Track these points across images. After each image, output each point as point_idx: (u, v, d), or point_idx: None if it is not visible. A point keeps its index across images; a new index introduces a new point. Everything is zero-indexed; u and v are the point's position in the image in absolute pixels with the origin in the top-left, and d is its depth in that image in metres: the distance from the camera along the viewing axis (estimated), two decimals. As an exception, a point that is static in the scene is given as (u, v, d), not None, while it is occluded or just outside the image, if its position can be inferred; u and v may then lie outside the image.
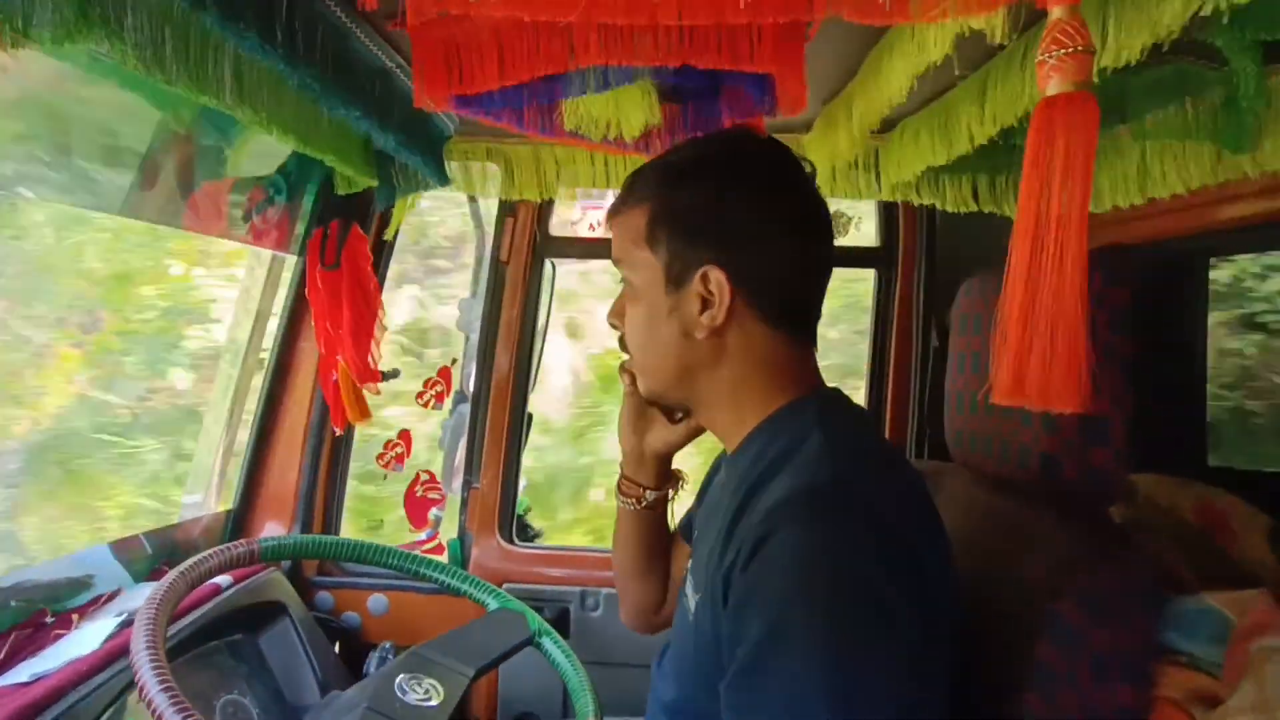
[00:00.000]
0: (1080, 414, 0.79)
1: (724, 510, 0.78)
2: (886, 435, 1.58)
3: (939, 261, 1.60)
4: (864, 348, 1.69)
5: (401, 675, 0.96)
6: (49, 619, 1.10)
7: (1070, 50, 0.56)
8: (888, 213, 1.62)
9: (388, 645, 1.42)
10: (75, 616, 1.12)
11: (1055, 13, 0.58)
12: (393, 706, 0.91)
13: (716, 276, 0.77)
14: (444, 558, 1.60)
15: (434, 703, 0.94)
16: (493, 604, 1.18)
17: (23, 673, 0.94)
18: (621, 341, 0.89)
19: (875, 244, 1.65)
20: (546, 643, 1.13)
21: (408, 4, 0.68)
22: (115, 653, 0.98)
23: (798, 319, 0.82)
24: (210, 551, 0.93)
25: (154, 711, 0.72)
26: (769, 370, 0.81)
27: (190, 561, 0.92)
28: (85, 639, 1.02)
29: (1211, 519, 0.99)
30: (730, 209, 0.78)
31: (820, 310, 0.85)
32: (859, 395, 1.68)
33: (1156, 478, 1.11)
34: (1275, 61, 0.82)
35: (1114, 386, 0.81)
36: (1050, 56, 0.57)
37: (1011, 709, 0.75)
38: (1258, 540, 0.91)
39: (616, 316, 0.88)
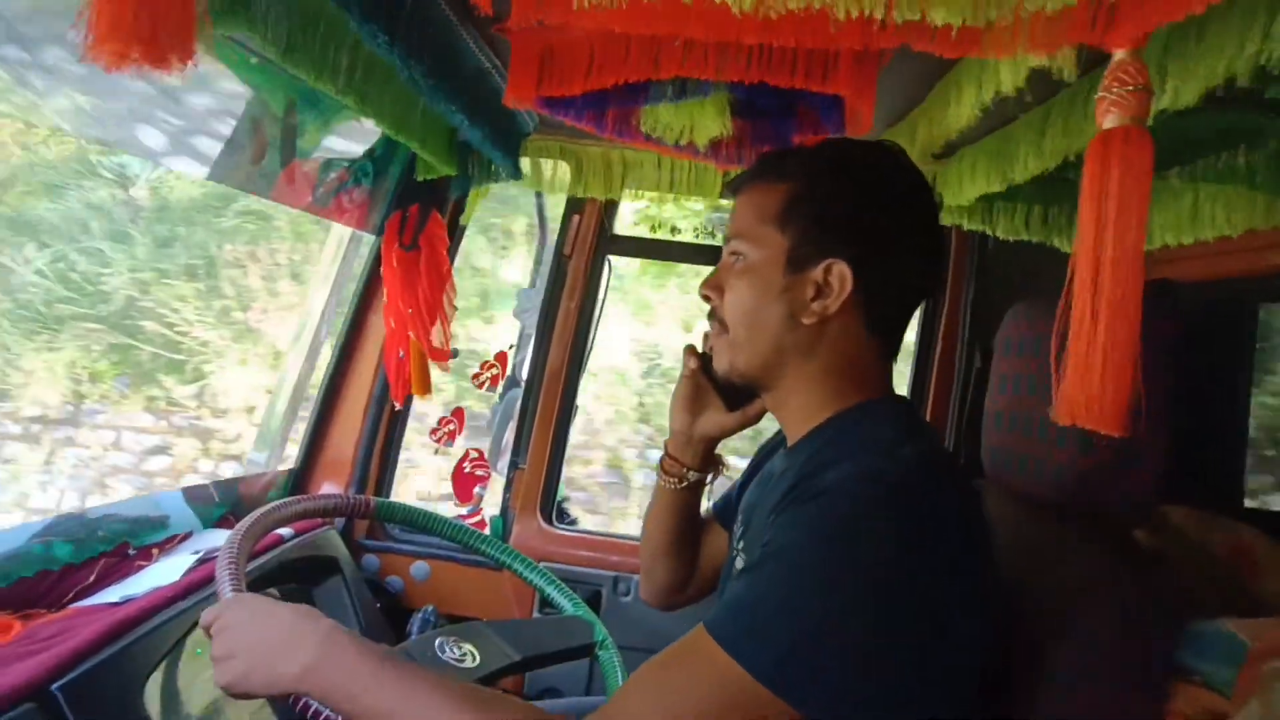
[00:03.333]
0: (1116, 438, 0.84)
1: (779, 492, 0.80)
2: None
3: (990, 286, 1.63)
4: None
5: (450, 636, 1.01)
6: (131, 551, 1.20)
7: (1131, 89, 0.61)
8: (940, 236, 1.66)
9: (430, 609, 1.50)
10: (155, 551, 1.22)
11: (1118, 55, 0.62)
12: (424, 654, 0.95)
13: (841, 270, 0.80)
14: (486, 531, 1.68)
15: (463, 665, 0.98)
16: (569, 608, 1.20)
17: (113, 594, 1.03)
18: (711, 314, 0.90)
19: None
20: (605, 656, 1.15)
21: (514, 6, 0.75)
22: (195, 584, 1.07)
23: (893, 331, 0.86)
24: (327, 494, 0.99)
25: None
26: (854, 371, 0.84)
27: (303, 497, 0.98)
28: (167, 571, 1.11)
29: (1238, 553, 1.02)
30: (871, 213, 0.81)
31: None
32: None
33: (1188, 510, 1.14)
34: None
35: (1153, 415, 0.83)
36: (1110, 93, 0.61)
37: (1023, 712, 0.79)
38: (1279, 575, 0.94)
39: (712, 289, 0.88)
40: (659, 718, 0.67)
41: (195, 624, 1.02)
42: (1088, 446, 0.86)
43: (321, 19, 0.83)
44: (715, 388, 1.02)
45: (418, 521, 1.14)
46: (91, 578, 1.09)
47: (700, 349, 1.02)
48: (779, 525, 0.72)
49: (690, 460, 1.08)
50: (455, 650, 0.99)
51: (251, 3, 0.75)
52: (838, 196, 0.81)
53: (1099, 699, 0.76)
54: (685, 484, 1.09)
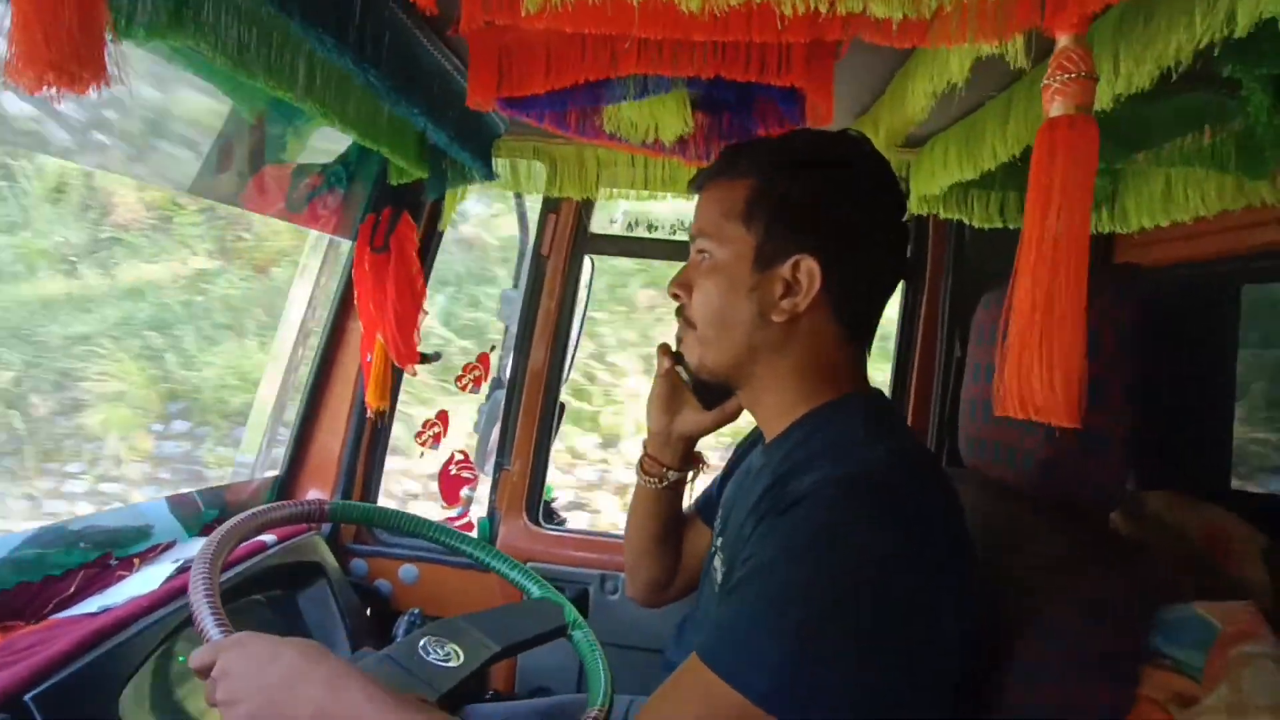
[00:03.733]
0: (1083, 425, 0.84)
1: (756, 492, 0.80)
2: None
3: (968, 274, 1.63)
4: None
5: (430, 636, 1.02)
6: (113, 561, 1.20)
7: (1074, 76, 0.60)
8: (917, 226, 1.66)
9: (415, 611, 1.50)
10: (136, 560, 1.22)
11: (1062, 41, 0.62)
12: (410, 659, 0.96)
13: (809, 266, 0.79)
14: (474, 534, 1.68)
15: (449, 665, 0.99)
16: (535, 591, 1.20)
17: (92, 604, 1.04)
18: (679, 313, 0.89)
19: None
20: (578, 635, 1.17)
21: (462, 11, 0.75)
22: (174, 592, 1.07)
23: (865, 324, 0.86)
24: (279, 504, 0.98)
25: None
26: (827, 366, 0.83)
27: (257, 509, 0.97)
28: (146, 580, 1.11)
29: (1213, 537, 1.02)
30: (838, 207, 0.80)
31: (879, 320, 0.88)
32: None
33: (1167, 495, 1.14)
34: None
35: (1115, 400, 0.83)
36: (1055, 81, 0.61)
37: (993, 701, 0.78)
38: (1253, 558, 0.94)
39: (681, 288, 0.88)
40: None
41: (174, 630, 1.03)
42: (1051, 434, 0.86)
43: (274, 25, 0.83)
44: (689, 385, 1.02)
45: (373, 519, 1.14)
46: (72, 589, 1.09)
47: (674, 348, 1.00)
48: (758, 539, 0.72)
49: (670, 459, 1.08)
50: (439, 651, 0.99)
51: (198, 12, 0.75)
52: (802, 191, 0.80)
53: (1066, 688, 0.76)
54: (666, 483, 1.09)
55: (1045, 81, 0.61)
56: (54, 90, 0.43)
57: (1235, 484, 1.51)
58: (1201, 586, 0.96)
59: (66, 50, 0.43)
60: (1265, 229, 1.11)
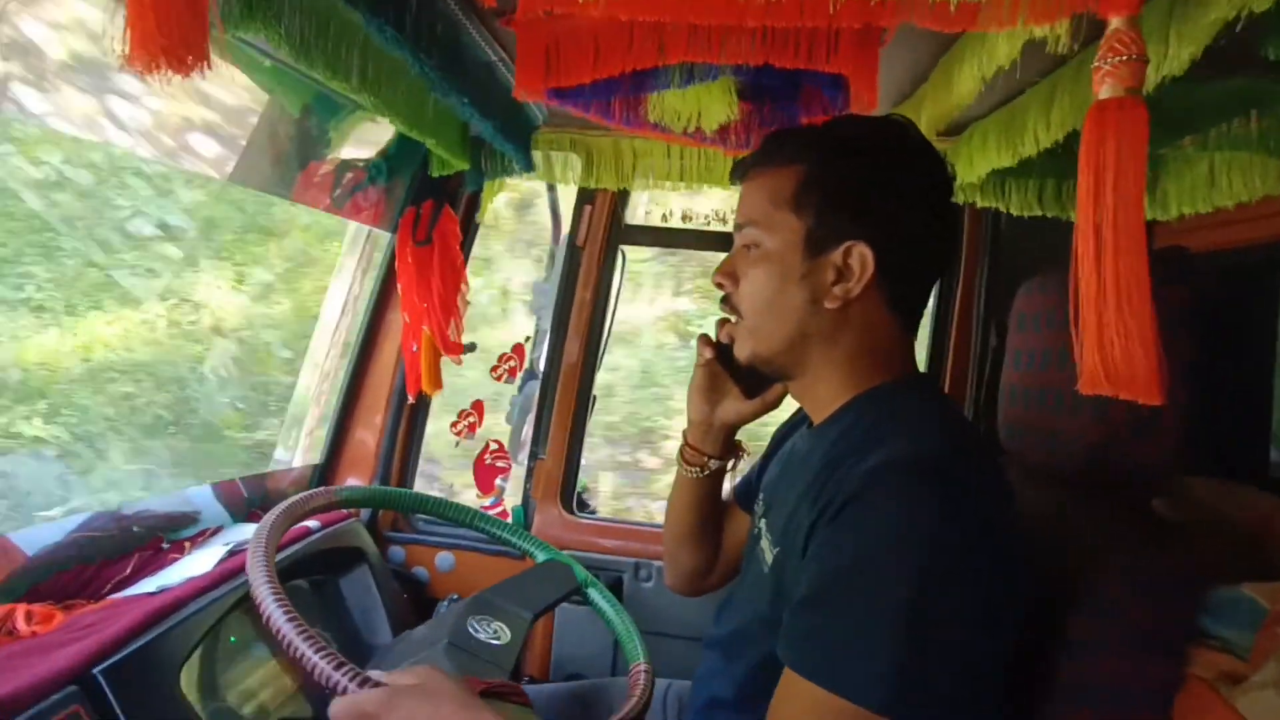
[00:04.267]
0: (1129, 408, 0.84)
1: (808, 473, 0.81)
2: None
3: (1005, 263, 1.62)
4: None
5: (472, 616, 1.05)
6: (165, 545, 1.24)
7: (1125, 58, 0.61)
8: (953, 213, 1.66)
9: (455, 597, 1.53)
10: (187, 544, 1.25)
11: (1114, 23, 0.63)
12: (469, 642, 1.01)
13: (861, 252, 0.79)
14: (509, 520, 1.71)
15: (501, 642, 1.04)
16: (540, 556, 1.26)
17: (149, 585, 1.07)
18: (724, 302, 0.89)
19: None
20: (593, 593, 1.21)
21: (519, 2, 0.77)
22: (227, 573, 1.10)
23: (913, 308, 0.86)
24: (296, 498, 1.02)
25: (267, 618, 0.82)
26: (878, 352, 0.83)
27: (286, 503, 1.02)
28: (199, 562, 1.14)
29: (1259, 523, 1.01)
30: (889, 192, 0.80)
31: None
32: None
33: (1208, 480, 1.13)
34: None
35: (1166, 383, 0.83)
36: (1105, 63, 0.62)
37: (1045, 677, 0.79)
38: (1301, 541, 0.93)
39: (726, 277, 0.87)
40: None
41: (228, 611, 1.06)
42: (1102, 416, 0.87)
43: (333, 19, 0.85)
44: (732, 375, 1.02)
45: (378, 500, 1.20)
46: (128, 570, 1.13)
47: (714, 337, 1.01)
48: (830, 536, 0.71)
49: (711, 448, 1.08)
50: (488, 629, 1.05)
51: (266, 5, 0.77)
52: (852, 176, 0.80)
53: (1118, 666, 0.77)
54: (707, 472, 1.09)
55: (1096, 64, 0.61)
56: (165, 73, 0.46)
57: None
58: (1247, 569, 0.97)
59: (176, 36, 0.46)
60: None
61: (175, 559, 1.20)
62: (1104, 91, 0.62)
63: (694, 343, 1.04)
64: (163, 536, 1.25)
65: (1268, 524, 1.01)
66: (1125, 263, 0.60)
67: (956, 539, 0.67)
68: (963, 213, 1.62)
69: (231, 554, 1.17)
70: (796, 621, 0.71)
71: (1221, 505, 1.08)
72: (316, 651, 0.74)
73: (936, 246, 0.85)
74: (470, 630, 1.03)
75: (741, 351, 0.88)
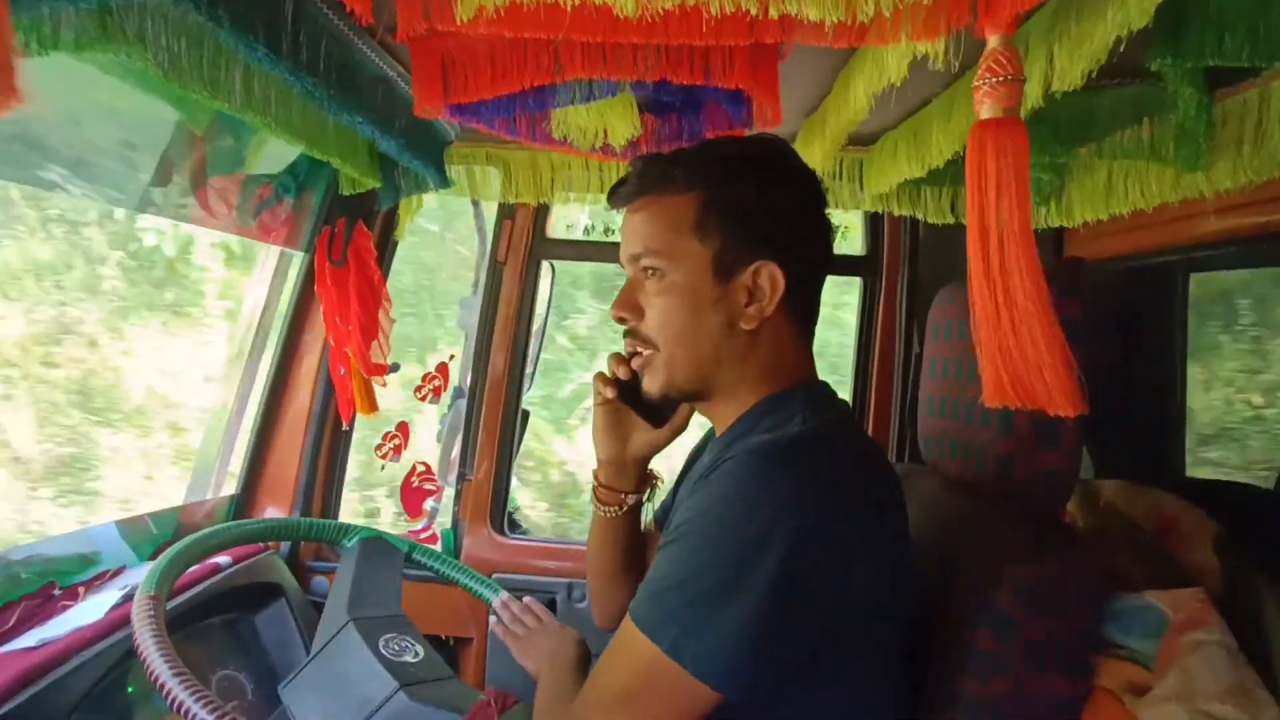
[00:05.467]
0: (1033, 418, 0.84)
1: (699, 475, 0.83)
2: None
3: (925, 270, 1.64)
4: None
5: (383, 643, 1.01)
6: (56, 591, 1.16)
7: (1002, 79, 0.61)
8: (873, 222, 1.67)
9: None
10: (81, 590, 1.18)
11: (991, 42, 0.63)
12: (416, 676, 0.97)
13: (771, 271, 0.80)
14: (438, 547, 1.66)
15: (423, 655, 1.02)
16: (348, 542, 1.21)
17: (31, 638, 1.00)
18: (630, 335, 0.88)
19: (861, 252, 1.70)
20: (419, 555, 1.23)
21: (399, 21, 0.74)
22: (117, 622, 1.03)
23: (812, 313, 0.88)
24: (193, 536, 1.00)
25: (153, 678, 0.78)
26: (784, 361, 0.85)
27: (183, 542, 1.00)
28: (89, 610, 1.07)
29: (1165, 525, 1.03)
30: (784, 207, 0.82)
31: None
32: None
33: (1118, 484, 1.16)
34: (1223, 85, 0.87)
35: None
36: (984, 83, 0.62)
37: (948, 693, 0.79)
38: (1204, 545, 0.95)
39: (629, 310, 0.86)
40: (600, 698, 0.74)
41: (119, 660, 1.00)
42: (1007, 428, 0.87)
43: (207, 35, 0.80)
44: (635, 409, 0.99)
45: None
46: (12, 621, 1.05)
47: (608, 373, 0.98)
48: (684, 506, 0.77)
49: (626, 485, 1.06)
50: (402, 650, 1.02)
51: (126, 22, 0.73)
52: (751, 196, 0.81)
53: (1020, 678, 0.77)
54: (625, 509, 1.07)
55: (976, 84, 0.61)
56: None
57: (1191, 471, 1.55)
58: (1154, 573, 0.98)
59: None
60: (1205, 220, 1.13)
61: (67, 606, 1.13)
62: (984, 111, 0.62)
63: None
64: (55, 582, 1.17)
65: (1174, 526, 1.03)
66: (1017, 277, 0.60)
67: (782, 512, 0.69)
68: (881, 221, 1.64)
69: (126, 599, 1.11)
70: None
71: (1132, 508, 1.10)
72: (198, 700, 0.74)
73: (825, 255, 0.87)
74: (394, 657, 0.99)
75: (654, 384, 0.87)
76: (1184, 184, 1.01)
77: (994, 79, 0.61)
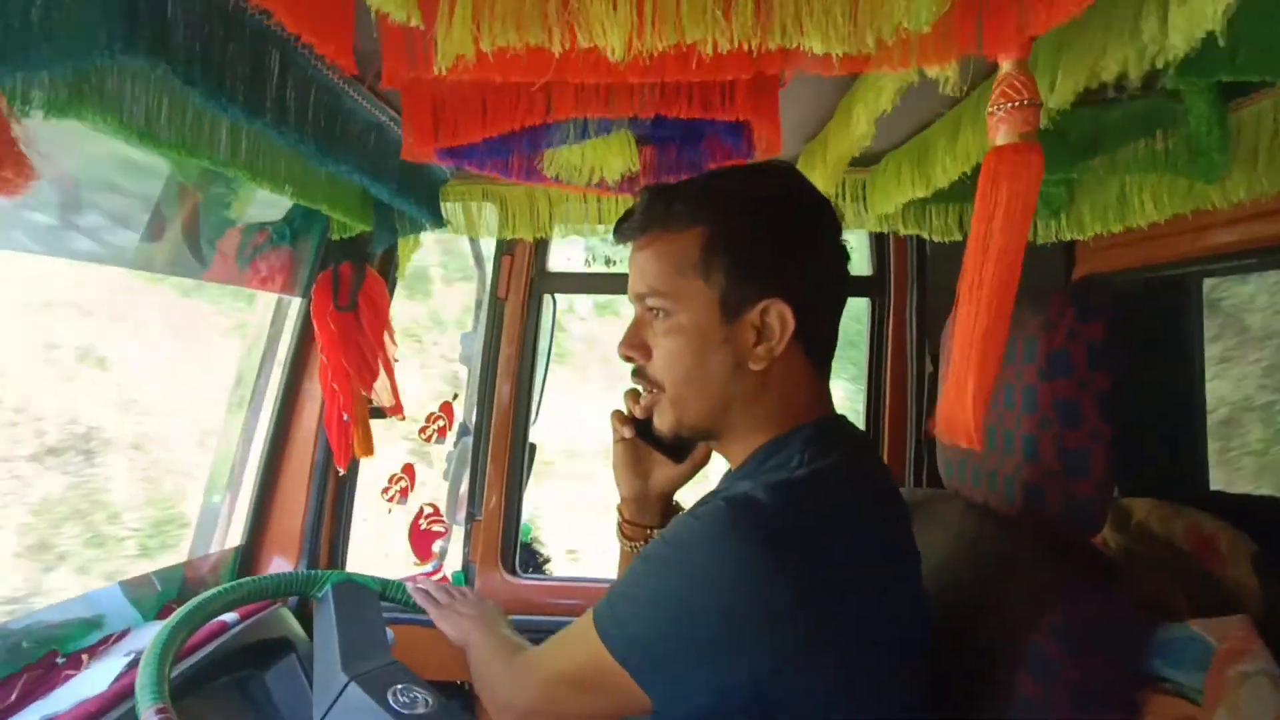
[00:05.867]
0: (1059, 445, 0.81)
1: None
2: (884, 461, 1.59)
3: (935, 289, 1.62)
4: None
5: (393, 701, 0.97)
6: (60, 660, 1.13)
7: (1017, 104, 0.59)
8: (879, 242, 1.65)
9: None
10: (85, 657, 1.15)
11: (1004, 66, 0.61)
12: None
13: (780, 310, 0.77)
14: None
15: (433, 702, 0.98)
16: (319, 592, 1.16)
17: (33, 715, 0.96)
18: (637, 374, 0.86)
19: (868, 273, 1.67)
20: (391, 592, 1.20)
21: (384, 70, 0.72)
22: (122, 693, 1.00)
23: (828, 348, 0.84)
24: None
25: None
26: (798, 398, 0.82)
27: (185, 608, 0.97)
28: (94, 680, 1.04)
29: (1201, 544, 1.00)
30: (791, 241, 0.79)
31: None
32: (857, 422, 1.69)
33: (1150, 503, 1.12)
34: (1238, 96, 0.85)
35: (1092, 418, 0.82)
36: (999, 109, 0.60)
37: None
38: (1243, 565, 0.92)
39: (635, 349, 0.85)
40: (549, 671, 0.82)
41: None
42: (1033, 455, 0.84)
43: (186, 93, 0.78)
44: (654, 446, 0.98)
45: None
46: (13, 696, 1.02)
47: (625, 411, 0.97)
48: (672, 521, 0.81)
49: (651, 520, 1.05)
50: (413, 702, 0.98)
51: (101, 85, 0.70)
52: (756, 232, 0.78)
53: (1070, 723, 0.73)
54: None
55: (990, 109, 0.59)
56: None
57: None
58: (1194, 596, 0.95)
59: None
60: (1220, 230, 1.11)
61: (70, 675, 1.10)
62: (1000, 137, 0.60)
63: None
64: (57, 650, 1.14)
65: (1212, 546, 0.99)
66: (993, 302, 0.60)
67: (728, 567, 0.70)
68: (887, 241, 1.62)
69: (132, 665, 1.07)
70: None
71: (1165, 529, 1.06)
72: None
73: (840, 286, 0.85)
74: (406, 710, 0.96)
75: (663, 424, 0.85)
76: (1197, 195, 0.99)
77: (1009, 104, 0.59)
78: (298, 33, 0.59)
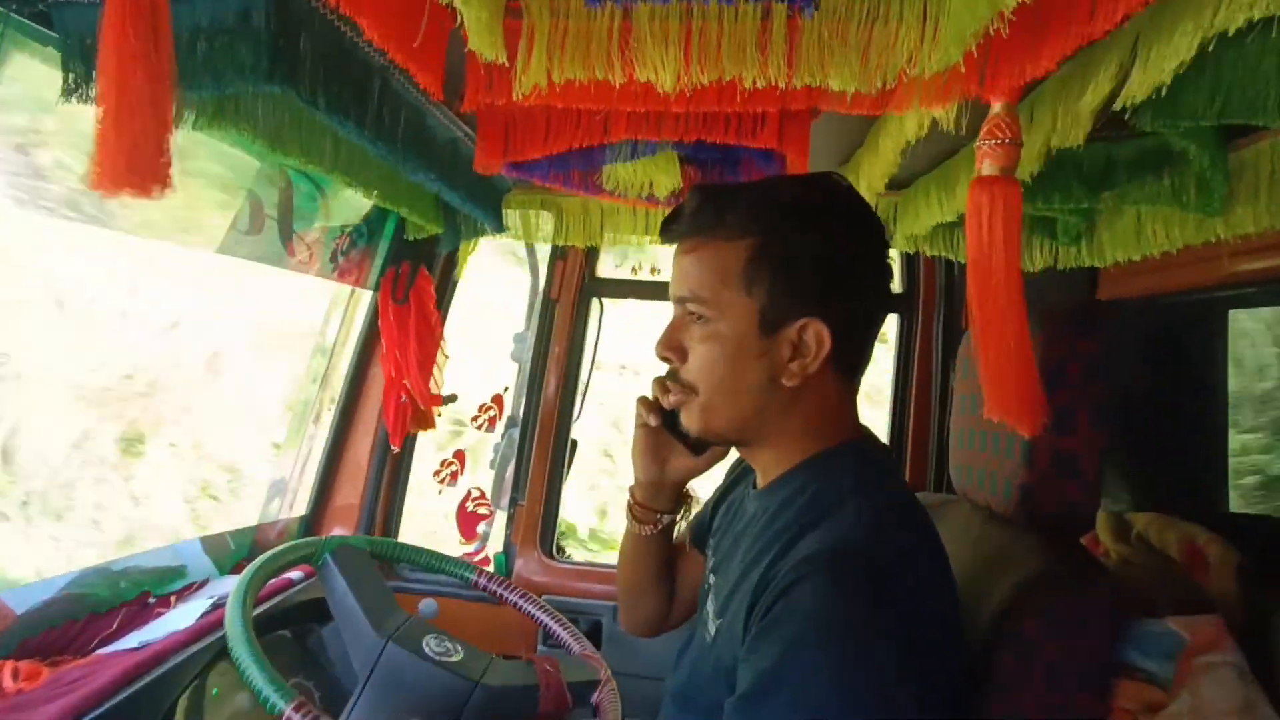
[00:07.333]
0: (1053, 451, 0.89)
1: (750, 541, 0.82)
2: (908, 471, 1.67)
3: (960, 307, 1.69)
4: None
5: (429, 652, 1.00)
6: (151, 600, 1.28)
7: (1002, 141, 0.68)
8: (909, 261, 1.73)
9: None
10: (173, 598, 1.30)
11: (995, 108, 0.70)
12: (478, 668, 0.98)
13: (817, 330, 0.77)
14: (490, 568, 1.74)
15: (462, 648, 1.01)
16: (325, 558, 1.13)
17: (133, 640, 1.11)
18: (672, 375, 0.86)
19: (899, 290, 1.75)
20: (377, 549, 1.17)
21: (466, 94, 0.85)
22: (208, 627, 1.14)
23: (860, 367, 0.85)
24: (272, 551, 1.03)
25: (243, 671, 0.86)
26: (829, 416, 0.82)
27: (262, 557, 1.02)
28: (182, 617, 1.19)
29: (1192, 555, 1.06)
30: (837, 261, 0.78)
31: None
32: (881, 432, 1.76)
33: (1151, 517, 1.18)
34: (1239, 135, 0.92)
35: (1084, 426, 0.89)
36: (985, 144, 0.69)
37: (975, 713, 0.83)
38: (1227, 574, 0.98)
39: (672, 350, 0.84)
40: None
41: (210, 664, 1.10)
42: (1029, 459, 0.92)
43: (304, 111, 0.93)
44: (677, 437, 0.98)
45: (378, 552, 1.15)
46: (114, 625, 1.17)
47: (652, 397, 0.97)
48: (760, 634, 0.71)
49: (662, 505, 1.07)
50: (446, 645, 1.01)
51: (236, 104, 0.85)
52: (803, 250, 0.78)
53: (1044, 701, 0.80)
54: (659, 528, 1.08)
55: (978, 143, 0.69)
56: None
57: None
58: (1180, 601, 1.01)
59: (142, 170, 0.52)
60: (1239, 259, 1.16)
61: (161, 613, 1.25)
62: (985, 169, 0.69)
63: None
64: (150, 591, 1.29)
65: (1202, 556, 1.05)
66: (1007, 310, 0.69)
67: (876, 634, 0.67)
68: (916, 260, 1.69)
69: (214, 607, 1.22)
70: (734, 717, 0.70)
71: (1161, 540, 1.12)
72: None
73: (879, 307, 0.85)
74: (439, 655, 0.99)
75: (691, 425, 0.85)
76: (1207, 227, 1.04)
77: (994, 141, 0.69)
78: (407, 67, 0.72)
